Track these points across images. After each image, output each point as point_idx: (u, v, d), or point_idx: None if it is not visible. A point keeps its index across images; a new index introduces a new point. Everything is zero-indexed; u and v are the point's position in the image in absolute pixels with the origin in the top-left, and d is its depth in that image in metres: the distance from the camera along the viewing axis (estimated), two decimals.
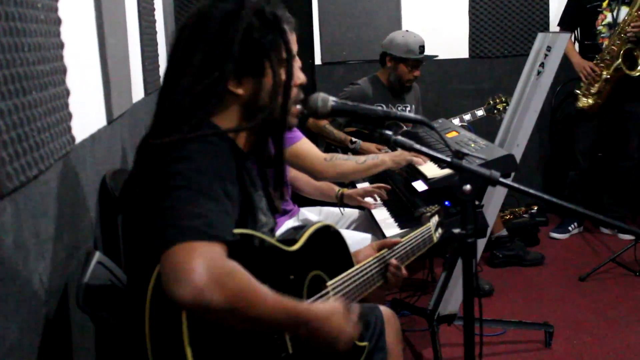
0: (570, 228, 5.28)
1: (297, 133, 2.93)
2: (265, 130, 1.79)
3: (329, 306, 1.62)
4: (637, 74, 4.71)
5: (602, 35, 4.95)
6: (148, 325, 1.47)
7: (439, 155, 1.73)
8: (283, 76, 1.72)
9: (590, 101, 4.91)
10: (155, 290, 1.45)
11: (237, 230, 1.52)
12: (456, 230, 1.71)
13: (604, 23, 4.94)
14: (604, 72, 4.82)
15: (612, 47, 4.77)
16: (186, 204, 1.43)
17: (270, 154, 1.86)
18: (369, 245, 2.19)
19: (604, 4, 4.91)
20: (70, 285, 1.90)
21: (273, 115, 1.72)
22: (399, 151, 3.06)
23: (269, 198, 1.86)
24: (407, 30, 4.47)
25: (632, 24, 4.65)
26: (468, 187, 1.68)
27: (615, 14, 4.84)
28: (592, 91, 4.89)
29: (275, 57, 1.69)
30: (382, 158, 3.06)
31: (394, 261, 2.12)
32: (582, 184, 5.26)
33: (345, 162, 3.00)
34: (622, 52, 4.70)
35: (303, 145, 2.95)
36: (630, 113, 5.00)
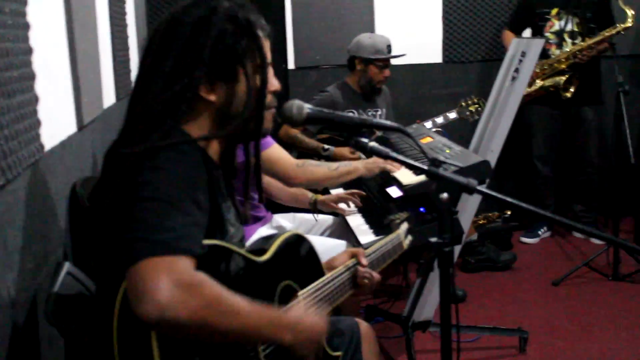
0: (539, 232, 5.32)
1: (268, 139, 2.89)
2: (238, 138, 1.76)
3: (301, 310, 1.62)
4: (569, 95, 4.85)
5: (549, 41, 5.02)
6: (116, 339, 1.43)
7: (415, 164, 1.72)
8: (257, 82, 1.69)
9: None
10: (123, 304, 1.41)
11: (206, 241, 1.49)
12: (433, 239, 1.70)
13: (551, 30, 5.02)
14: (539, 80, 4.91)
15: (558, 64, 4.88)
16: (155, 216, 1.39)
17: (237, 163, 1.83)
18: (343, 252, 2.16)
19: (553, 12, 5.00)
20: (39, 297, 1.85)
21: (247, 123, 1.69)
22: (373, 158, 3.04)
23: (237, 208, 1.83)
24: (372, 33, 4.48)
25: (584, 52, 4.78)
26: (445, 195, 1.66)
27: (564, 22, 4.93)
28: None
29: (248, 63, 1.66)
30: (355, 165, 3.04)
31: (362, 266, 2.08)
32: (545, 190, 5.31)
33: (317, 168, 2.98)
34: (565, 77, 4.85)
35: (274, 151, 2.92)
36: (584, 119, 5.07)
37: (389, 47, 4.28)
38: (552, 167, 5.28)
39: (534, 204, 4.95)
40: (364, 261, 2.09)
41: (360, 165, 3.03)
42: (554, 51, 4.99)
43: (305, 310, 1.63)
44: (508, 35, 5.18)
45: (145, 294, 1.29)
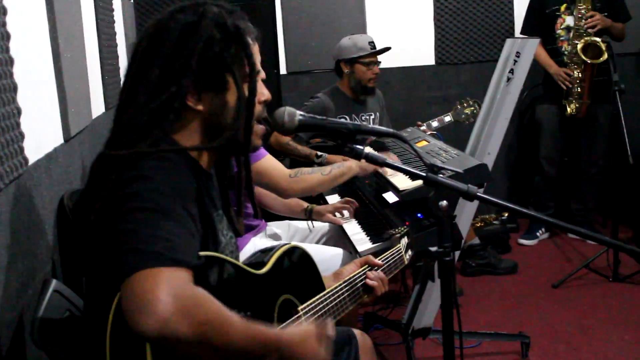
0: (538, 234, 5.27)
1: (261, 150, 2.82)
2: (228, 149, 1.69)
3: (302, 330, 1.52)
4: (602, 59, 4.69)
5: (561, 38, 4.99)
6: (109, 357, 1.37)
7: (413, 171, 1.66)
8: (246, 92, 1.63)
9: (577, 104, 4.88)
10: (116, 321, 1.35)
11: (202, 253, 1.43)
12: (433, 249, 1.64)
13: (562, 27, 4.99)
14: (576, 72, 4.83)
15: (574, 48, 4.82)
16: (146, 226, 1.33)
17: (233, 173, 1.77)
18: (352, 263, 2.12)
19: (562, 8, 4.96)
20: (25, 317, 1.79)
21: (237, 135, 1.62)
22: None
23: (230, 219, 1.76)
24: (352, 34, 4.42)
25: (585, 20, 4.76)
26: (444, 203, 1.60)
27: (575, 15, 4.89)
28: (574, 94, 4.88)
29: (237, 72, 1.60)
30: (348, 165, 2.96)
31: (377, 268, 2.04)
32: (548, 190, 5.26)
33: (311, 175, 2.90)
34: (580, 46, 4.76)
35: (267, 162, 2.84)
36: (594, 118, 5.02)
37: (371, 43, 4.22)
38: (557, 168, 5.24)
39: (534, 204, 4.89)
40: (379, 262, 2.07)
41: (354, 165, 2.96)
42: (566, 47, 4.93)
43: (306, 334, 1.51)
44: None
45: (146, 306, 1.22)
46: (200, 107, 1.59)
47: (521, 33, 5.22)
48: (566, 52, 4.91)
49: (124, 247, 1.32)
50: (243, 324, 1.36)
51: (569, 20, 4.94)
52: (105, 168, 1.50)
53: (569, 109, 4.91)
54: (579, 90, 4.85)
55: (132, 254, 1.30)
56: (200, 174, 1.63)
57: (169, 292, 1.24)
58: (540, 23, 5.04)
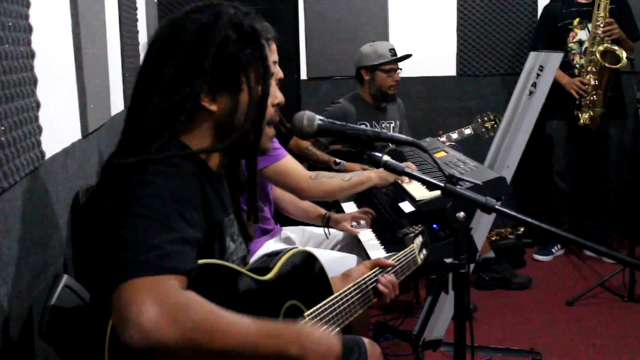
0: (553, 250, 5.22)
1: (281, 150, 2.81)
2: (237, 151, 1.68)
3: (309, 325, 1.51)
4: (620, 64, 4.65)
5: (572, 52, 4.96)
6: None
7: (432, 181, 1.64)
8: (259, 93, 1.61)
9: (591, 114, 4.83)
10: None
11: (202, 261, 1.41)
12: (448, 260, 1.62)
13: (574, 40, 4.96)
14: (592, 80, 4.78)
15: (592, 55, 4.78)
16: (139, 234, 1.32)
17: (244, 177, 1.75)
18: (362, 264, 2.07)
19: (575, 22, 4.94)
20: (35, 311, 1.78)
21: (247, 136, 1.61)
22: None
23: (241, 223, 1.74)
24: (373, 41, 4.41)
25: (601, 28, 4.71)
26: (462, 214, 1.58)
27: (588, 30, 4.86)
28: (588, 104, 4.83)
29: (252, 73, 1.59)
30: (368, 175, 2.96)
31: (387, 271, 2.00)
32: (562, 206, 5.21)
33: (331, 180, 2.90)
34: (601, 49, 4.70)
35: (287, 163, 2.83)
36: (605, 134, 4.98)
37: (392, 50, 4.21)
38: (571, 184, 5.20)
39: (549, 221, 4.85)
40: (391, 262, 2.02)
41: (374, 175, 2.95)
42: (579, 60, 4.92)
43: (313, 325, 1.53)
44: None
45: (128, 318, 1.22)
46: (214, 108, 1.58)
47: (530, 46, 5.21)
48: (577, 65, 4.89)
49: (116, 255, 1.31)
50: (245, 323, 1.33)
51: (582, 34, 4.93)
52: (113, 172, 1.49)
53: (581, 119, 4.86)
54: (594, 98, 4.80)
55: (123, 263, 1.29)
56: (210, 177, 1.62)
57: (153, 302, 1.23)
58: (551, 36, 5.02)
